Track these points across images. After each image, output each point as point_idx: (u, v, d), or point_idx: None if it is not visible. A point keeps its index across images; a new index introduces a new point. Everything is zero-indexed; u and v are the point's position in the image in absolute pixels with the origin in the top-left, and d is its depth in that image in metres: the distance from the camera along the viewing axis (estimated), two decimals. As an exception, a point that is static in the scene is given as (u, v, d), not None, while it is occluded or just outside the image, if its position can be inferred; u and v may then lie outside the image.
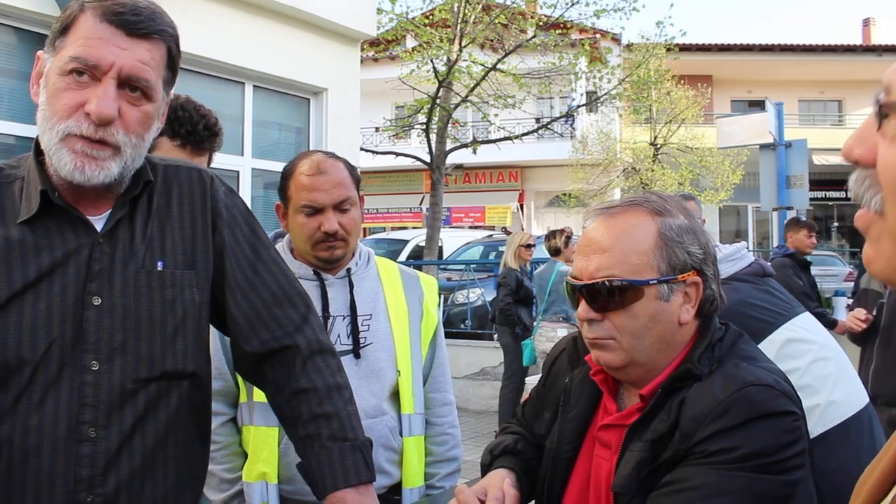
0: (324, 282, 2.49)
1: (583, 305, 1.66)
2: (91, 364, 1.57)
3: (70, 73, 1.54)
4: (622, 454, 1.60)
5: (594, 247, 1.66)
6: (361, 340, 2.47)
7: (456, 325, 11.87)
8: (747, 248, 2.84)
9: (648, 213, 1.66)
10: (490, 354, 10.65)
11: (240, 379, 2.38)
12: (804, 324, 2.40)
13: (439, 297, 3.19)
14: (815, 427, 2.23)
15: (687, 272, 1.63)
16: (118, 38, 1.55)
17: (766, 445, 1.44)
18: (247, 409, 2.39)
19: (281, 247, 2.56)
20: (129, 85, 1.58)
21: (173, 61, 1.68)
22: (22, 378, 1.53)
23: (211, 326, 1.89)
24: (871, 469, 0.91)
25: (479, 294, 12.25)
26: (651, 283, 1.60)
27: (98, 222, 1.65)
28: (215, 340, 2.33)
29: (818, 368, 2.31)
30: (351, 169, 2.52)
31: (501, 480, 1.80)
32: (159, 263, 1.67)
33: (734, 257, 2.46)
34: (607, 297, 1.61)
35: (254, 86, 8.66)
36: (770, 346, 2.28)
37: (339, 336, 2.45)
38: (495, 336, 10.83)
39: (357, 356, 2.45)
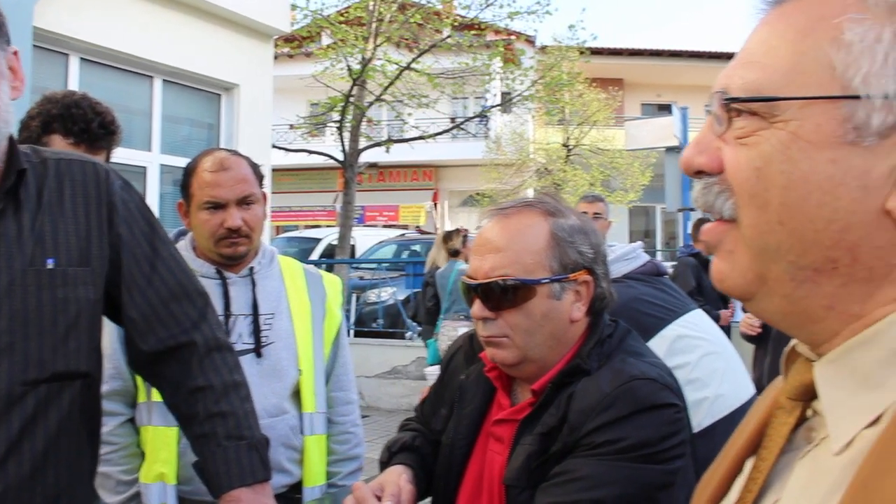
0: (226, 280, 2.47)
1: (477, 304, 1.69)
2: None
3: None
4: (514, 448, 1.64)
5: (489, 246, 1.70)
6: (263, 339, 2.47)
7: (368, 324, 11.86)
8: (655, 247, 2.93)
9: (541, 213, 1.71)
10: (401, 353, 10.66)
11: (139, 378, 2.34)
12: (695, 320, 2.49)
13: (344, 296, 3.19)
14: (704, 419, 2.32)
15: (578, 271, 1.68)
16: None
17: (649, 436, 1.50)
18: (145, 409, 2.35)
19: (183, 245, 2.53)
20: None
21: None
22: None
23: (108, 325, 1.86)
24: (713, 471, 0.94)
25: (391, 293, 12.27)
26: (543, 282, 1.65)
27: None
28: (113, 339, 2.28)
29: (708, 363, 2.41)
30: (254, 166, 2.52)
31: (398, 476, 1.82)
32: (49, 261, 1.60)
33: (629, 257, 2.55)
34: (501, 295, 1.65)
35: (163, 80, 8.49)
36: (662, 342, 2.37)
37: (240, 335, 2.44)
38: (407, 335, 10.86)
39: (259, 355, 2.44)
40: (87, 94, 2.59)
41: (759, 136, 0.74)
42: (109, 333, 2.21)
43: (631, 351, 1.68)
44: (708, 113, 0.82)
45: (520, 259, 1.65)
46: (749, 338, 5.66)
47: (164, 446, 2.30)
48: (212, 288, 2.41)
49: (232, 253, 2.44)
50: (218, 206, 2.40)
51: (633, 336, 1.75)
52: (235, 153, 2.51)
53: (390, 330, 11.74)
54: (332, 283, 2.77)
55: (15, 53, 1.64)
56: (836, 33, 0.71)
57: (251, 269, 2.52)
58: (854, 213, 0.70)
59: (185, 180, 2.48)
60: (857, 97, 0.69)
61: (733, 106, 0.76)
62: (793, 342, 0.84)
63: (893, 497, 0.62)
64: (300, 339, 2.54)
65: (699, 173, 0.81)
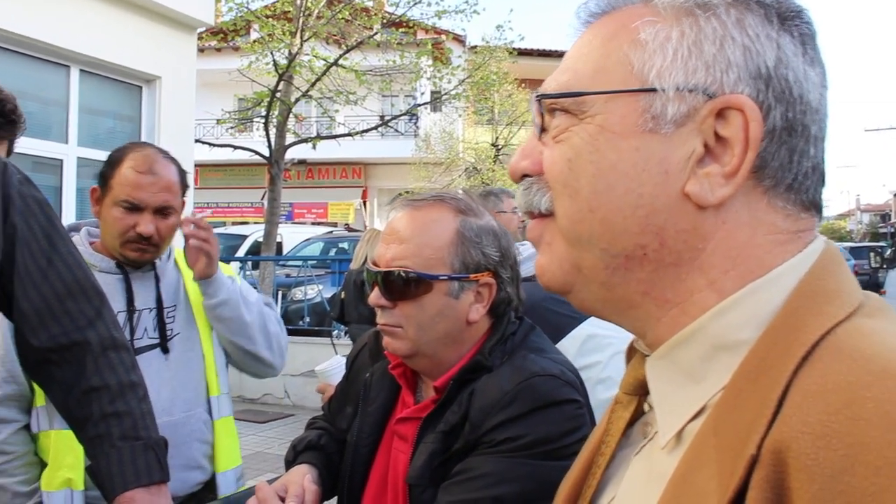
0: (128, 275, 2.41)
1: (376, 292, 1.69)
2: None
3: None
4: (417, 446, 1.63)
5: (394, 236, 1.69)
6: (168, 332, 2.42)
7: (294, 322, 11.74)
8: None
9: (451, 210, 1.70)
10: (328, 352, 10.57)
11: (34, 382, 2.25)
12: (606, 319, 2.51)
13: (271, 293, 3.13)
14: (615, 418, 2.34)
15: (481, 272, 1.67)
16: None
17: (550, 433, 1.50)
18: (45, 413, 2.25)
19: (78, 239, 2.44)
20: None
21: None
22: None
23: (2, 327, 1.79)
24: (572, 469, 0.96)
25: (318, 291, 12.16)
26: (441, 278, 1.63)
27: None
28: (7, 341, 2.18)
29: (619, 361, 2.41)
30: (182, 174, 2.47)
31: (302, 476, 1.79)
32: None
33: (541, 255, 2.55)
34: (399, 286, 1.64)
35: (80, 70, 8.22)
36: (573, 342, 2.38)
37: (145, 330, 2.39)
38: (334, 333, 10.77)
39: (165, 350, 2.40)
40: None
41: (570, 132, 0.80)
42: (3, 335, 2.12)
43: (533, 347, 1.67)
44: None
45: (421, 252, 1.64)
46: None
47: (68, 451, 2.21)
48: (114, 283, 2.36)
49: (137, 258, 2.39)
50: (135, 208, 2.33)
51: (537, 333, 1.75)
52: (167, 156, 2.45)
53: (316, 328, 11.64)
54: (227, 268, 2.71)
55: None
56: (633, 35, 0.78)
57: (154, 264, 2.47)
58: (657, 197, 0.75)
59: (107, 170, 2.39)
60: (653, 90, 0.75)
61: (547, 105, 0.83)
62: (632, 338, 0.87)
63: (706, 489, 0.64)
64: (201, 326, 2.51)
65: (524, 178, 0.86)
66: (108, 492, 1.67)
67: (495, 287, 1.69)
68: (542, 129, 0.84)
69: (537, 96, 0.84)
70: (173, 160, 2.46)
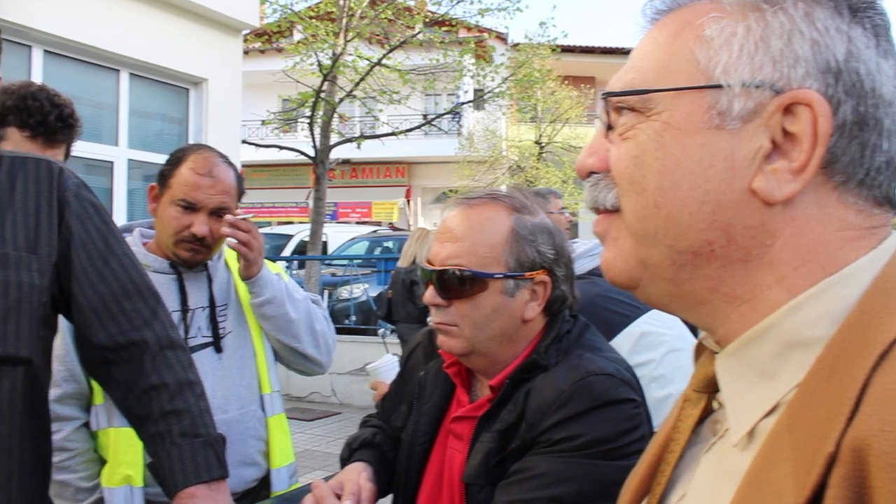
0: (181, 275, 2.45)
1: (430, 290, 1.69)
2: None
3: None
4: (473, 445, 1.63)
5: (448, 235, 1.69)
6: (221, 331, 2.46)
7: (340, 321, 11.81)
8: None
9: (505, 208, 1.69)
10: (374, 350, 10.63)
11: (94, 381, 2.29)
12: (659, 316, 2.48)
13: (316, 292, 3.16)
14: (670, 416, 2.31)
15: (536, 270, 1.66)
16: None
17: (607, 432, 1.49)
18: (104, 411, 2.30)
19: (131, 240, 2.47)
20: None
21: None
22: None
23: (63, 328, 1.83)
24: (638, 467, 0.95)
25: (363, 289, 12.22)
26: (496, 276, 1.63)
27: None
28: (66, 341, 2.23)
29: (672, 359, 2.40)
30: (239, 179, 2.50)
31: (358, 474, 1.81)
32: None
33: (593, 252, 2.53)
34: (454, 285, 1.64)
35: (130, 74, 8.37)
36: (626, 339, 2.37)
37: (199, 328, 2.43)
38: (380, 331, 10.82)
39: (219, 349, 2.44)
40: (45, 85, 2.53)
41: (637, 129, 0.80)
42: (63, 335, 2.16)
43: (588, 346, 1.66)
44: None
45: (475, 251, 1.64)
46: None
47: (128, 448, 2.25)
48: (167, 283, 2.40)
49: (189, 258, 2.42)
50: (191, 208, 2.37)
51: (592, 331, 1.74)
52: (226, 160, 2.48)
53: (362, 327, 11.70)
54: (274, 266, 2.74)
55: None
56: (699, 32, 0.78)
57: (205, 264, 2.51)
58: (723, 193, 0.75)
59: (168, 169, 2.43)
60: (719, 86, 0.75)
61: (614, 103, 0.83)
62: (701, 335, 0.87)
63: (782, 487, 0.63)
64: (251, 323, 2.54)
65: (591, 174, 0.87)
66: (169, 488, 1.70)
67: (550, 285, 1.68)
68: (609, 127, 0.85)
69: (603, 94, 0.85)
70: (232, 165, 2.50)
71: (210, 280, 2.49)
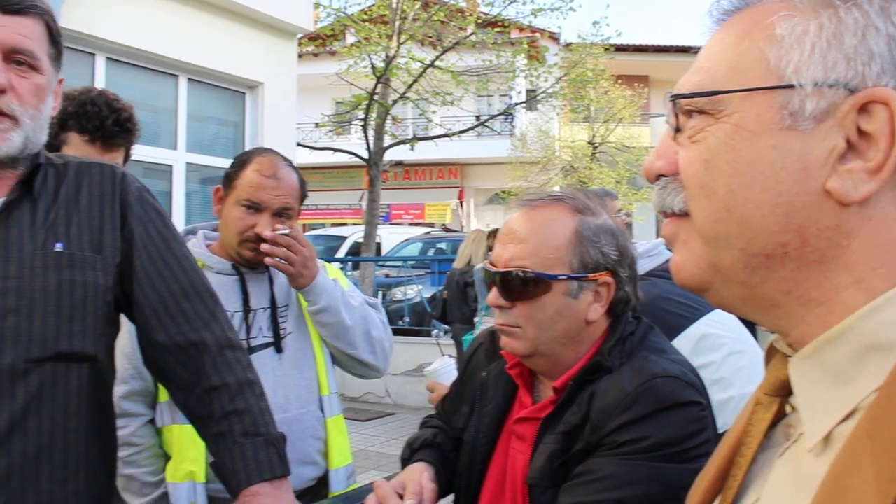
0: (243, 276, 2.48)
1: (494, 292, 1.69)
2: None
3: None
4: (536, 446, 1.63)
5: (512, 236, 1.69)
6: (281, 332, 2.49)
7: (394, 322, 11.85)
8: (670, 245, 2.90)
9: (569, 209, 1.68)
10: (428, 351, 10.65)
11: None
12: (720, 318, 2.45)
13: (371, 293, 3.18)
14: (729, 419, 2.27)
15: (599, 272, 1.65)
16: None
17: (673, 435, 1.47)
18: (168, 408, 2.35)
19: (195, 242, 2.54)
20: (15, 58, 1.62)
21: (54, 37, 1.72)
22: None
23: (129, 326, 1.87)
24: (705, 471, 0.94)
25: (417, 290, 12.26)
26: (560, 278, 1.62)
27: None
28: (133, 339, 2.28)
29: (733, 362, 2.37)
30: (302, 182, 2.53)
31: (419, 474, 1.81)
32: (58, 245, 1.66)
33: (652, 253, 2.51)
34: (517, 286, 1.64)
35: (188, 79, 8.52)
36: (686, 341, 2.34)
37: (260, 329, 2.46)
38: (434, 332, 10.85)
39: (279, 349, 2.46)
40: (105, 90, 2.59)
41: (707, 132, 0.79)
42: (130, 334, 2.21)
43: (653, 348, 1.65)
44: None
45: (539, 252, 1.64)
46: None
47: (191, 445, 2.29)
48: (230, 284, 2.44)
49: (252, 258, 2.44)
50: (256, 208, 2.41)
51: (656, 333, 1.73)
52: (290, 163, 2.52)
53: (416, 328, 11.74)
54: (333, 271, 2.76)
55: (60, 81, 1.79)
56: (769, 31, 0.76)
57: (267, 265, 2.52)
58: (797, 195, 0.73)
59: (233, 171, 2.48)
60: (790, 86, 0.74)
61: (682, 105, 0.82)
62: (772, 338, 0.86)
63: (863, 494, 0.62)
64: (310, 325, 2.56)
65: (659, 177, 0.87)
66: (232, 487, 1.72)
67: (614, 286, 1.67)
68: (677, 129, 0.84)
69: (672, 97, 0.83)
70: (296, 169, 2.53)
71: (271, 281, 2.52)
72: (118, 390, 2.29)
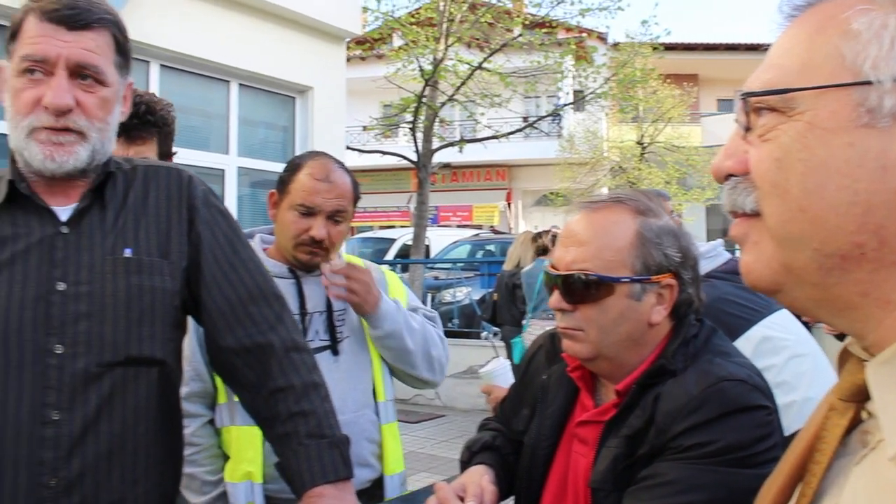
0: (300, 279, 2.51)
1: (556, 295, 1.68)
2: (55, 348, 1.59)
3: (24, 73, 1.63)
4: (599, 450, 1.61)
5: (573, 239, 1.68)
6: (338, 335, 2.50)
7: (443, 324, 11.81)
8: (733, 246, 2.86)
9: (630, 211, 1.67)
10: (477, 353, 10.64)
11: (218, 380, 2.38)
12: (780, 321, 2.41)
13: (420, 296, 3.19)
14: (792, 424, 2.24)
15: (662, 274, 1.64)
16: (60, 33, 1.63)
17: (741, 439, 1.45)
18: (227, 410, 2.39)
19: (252, 245, 2.54)
20: (80, 74, 1.65)
21: (121, 45, 1.75)
22: None
23: (189, 329, 1.90)
24: (773, 478, 0.92)
25: (466, 293, 12.25)
26: (623, 280, 1.61)
27: (65, 213, 1.69)
28: (192, 342, 2.33)
29: (794, 365, 2.33)
30: (355, 185, 2.55)
31: (480, 477, 1.81)
32: (127, 250, 1.70)
33: (710, 255, 2.48)
34: (579, 289, 1.63)
35: (239, 84, 8.63)
36: (746, 343, 2.30)
37: (317, 332, 2.48)
38: (483, 334, 10.83)
39: (336, 352, 2.48)
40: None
41: (778, 130, 0.77)
42: (189, 336, 2.24)
43: (718, 351, 1.62)
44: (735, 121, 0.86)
45: (601, 255, 1.63)
46: (840, 336, 5.49)
47: (249, 446, 2.33)
48: (286, 287, 2.45)
49: (308, 261, 2.47)
50: (310, 212, 2.43)
51: (720, 335, 1.70)
52: (342, 166, 2.54)
53: (465, 330, 11.74)
54: (393, 277, 2.79)
55: (129, 85, 1.83)
56: (844, 26, 0.74)
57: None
58: (875, 193, 0.71)
59: (287, 175, 2.51)
60: (868, 82, 0.72)
61: (753, 103, 0.80)
62: (846, 341, 0.83)
63: None
64: (368, 332, 2.56)
65: (728, 178, 0.85)
66: (297, 488, 1.73)
67: (677, 288, 1.65)
68: (747, 128, 0.82)
69: (742, 95, 0.82)
70: (348, 171, 2.55)
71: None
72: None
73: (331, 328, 2.50)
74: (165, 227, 1.77)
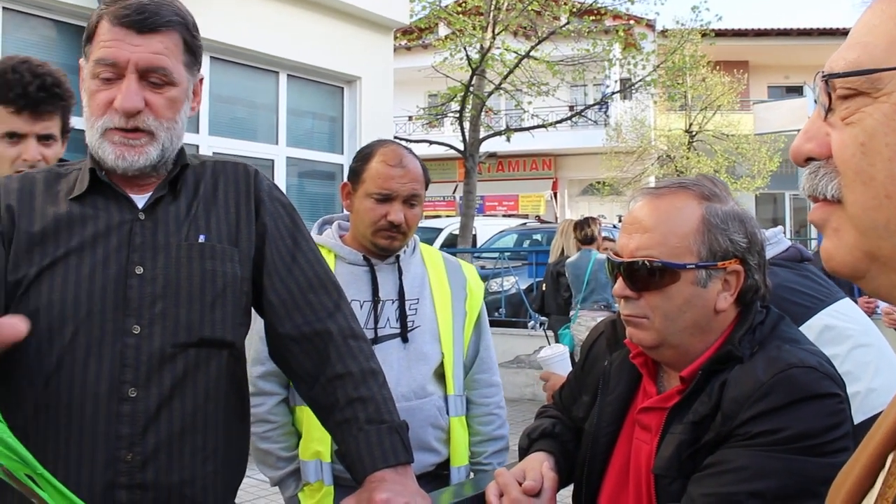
0: (373, 267, 2.56)
1: (619, 282, 1.66)
2: (132, 328, 1.67)
3: (97, 76, 1.71)
4: (663, 436, 1.60)
5: (637, 226, 1.66)
6: (409, 324, 2.55)
7: (490, 314, 11.81)
8: (785, 235, 2.81)
9: (695, 196, 1.64)
10: (524, 342, 10.63)
11: None
12: (844, 309, 2.37)
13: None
14: (856, 415, 2.19)
15: (728, 260, 1.61)
16: (130, 37, 1.70)
17: (811, 427, 1.43)
18: None
19: (329, 233, 2.64)
20: (150, 76, 1.72)
21: (190, 45, 1.83)
22: (64, 338, 1.63)
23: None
24: (849, 468, 0.89)
25: (513, 282, 12.23)
26: (689, 267, 1.59)
27: (141, 201, 1.78)
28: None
29: (858, 355, 2.28)
30: (425, 169, 2.61)
31: (540, 463, 1.81)
32: (201, 237, 1.78)
33: (771, 242, 2.43)
34: (644, 276, 1.61)
35: (288, 75, 8.70)
36: (808, 332, 2.25)
37: (388, 319, 2.53)
38: (530, 324, 10.82)
39: (405, 340, 2.53)
40: (30, 58, 2.46)
41: (863, 113, 0.73)
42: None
43: (786, 337, 1.60)
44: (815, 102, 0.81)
45: (666, 241, 1.60)
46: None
47: (317, 426, 2.34)
48: (360, 275, 2.53)
49: (387, 245, 2.53)
50: (387, 198, 2.49)
51: (787, 322, 1.67)
52: (411, 151, 2.61)
53: (513, 319, 11.73)
54: (471, 270, 2.84)
55: (200, 80, 1.90)
56: None
57: (397, 256, 2.60)
58: None
59: (358, 165, 2.57)
60: None
61: (836, 85, 0.76)
62: (873, 330, 0.80)
63: None
64: (442, 324, 2.61)
65: (808, 161, 0.81)
66: (357, 473, 1.74)
67: (743, 274, 1.62)
68: (829, 110, 0.78)
69: (823, 76, 0.78)
70: (417, 156, 2.61)
71: (401, 273, 2.59)
72: (255, 370, 2.45)
73: (402, 316, 2.54)
74: (234, 218, 1.84)
